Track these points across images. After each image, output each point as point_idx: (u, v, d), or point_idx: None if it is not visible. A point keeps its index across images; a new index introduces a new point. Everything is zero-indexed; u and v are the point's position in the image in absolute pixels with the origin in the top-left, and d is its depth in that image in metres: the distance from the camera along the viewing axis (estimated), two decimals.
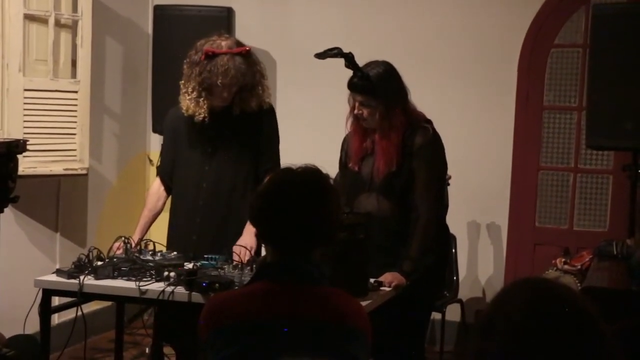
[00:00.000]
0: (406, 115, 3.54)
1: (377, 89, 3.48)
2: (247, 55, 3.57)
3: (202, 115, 3.60)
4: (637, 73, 4.22)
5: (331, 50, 3.50)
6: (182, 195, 3.72)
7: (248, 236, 3.45)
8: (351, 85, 3.53)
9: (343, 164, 3.71)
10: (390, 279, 3.37)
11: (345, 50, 3.50)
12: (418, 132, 3.55)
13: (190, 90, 3.58)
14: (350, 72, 3.54)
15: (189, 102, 3.59)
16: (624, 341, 1.68)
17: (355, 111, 3.54)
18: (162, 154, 3.87)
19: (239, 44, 3.61)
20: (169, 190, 3.78)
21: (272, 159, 3.67)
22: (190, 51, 3.62)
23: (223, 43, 3.56)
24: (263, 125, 3.67)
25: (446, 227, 3.83)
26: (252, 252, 3.42)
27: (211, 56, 3.52)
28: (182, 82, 3.62)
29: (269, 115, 3.69)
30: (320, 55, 3.53)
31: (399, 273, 3.41)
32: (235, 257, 3.38)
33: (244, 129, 3.64)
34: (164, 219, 3.86)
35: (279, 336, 2.09)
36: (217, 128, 3.64)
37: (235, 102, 3.60)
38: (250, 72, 3.57)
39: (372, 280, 3.32)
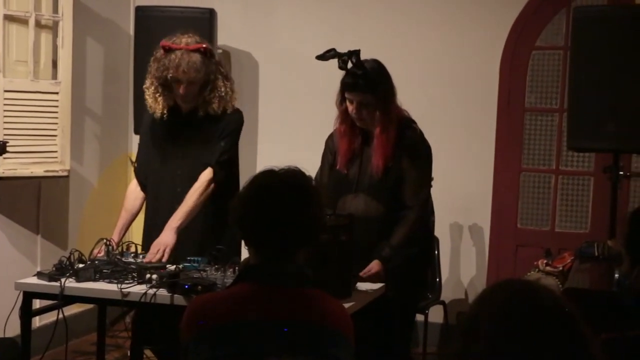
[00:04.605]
0: (397, 112, 3.56)
1: (379, 86, 3.48)
2: (205, 53, 3.55)
3: (159, 112, 3.61)
4: (618, 75, 4.24)
5: (329, 51, 3.50)
6: (157, 198, 3.71)
7: (168, 232, 3.45)
8: (353, 85, 3.50)
9: (330, 163, 3.69)
10: (367, 272, 3.38)
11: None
12: (408, 131, 3.57)
13: (148, 85, 3.61)
14: (339, 73, 3.52)
15: (148, 97, 3.62)
16: (612, 352, 1.69)
17: (354, 113, 3.52)
18: (138, 154, 3.86)
19: (203, 42, 3.58)
20: (146, 190, 3.77)
21: (217, 154, 3.60)
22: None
23: (183, 40, 3.56)
24: (225, 127, 3.65)
25: (430, 229, 3.86)
26: (169, 249, 3.41)
27: (168, 50, 3.53)
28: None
29: (231, 116, 3.65)
30: (321, 57, 3.53)
31: (377, 259, 3.42)
32: (150, 256, 3.38)
33: (210, 132, 3.62)
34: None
35: (261, 338, 2.09)
36: (186, 131, 3.65)
37: (199, 103, 3.59)
38: (207, 70, 3.54)
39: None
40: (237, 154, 3.77)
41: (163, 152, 3.70)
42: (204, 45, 3.55)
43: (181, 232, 3.50)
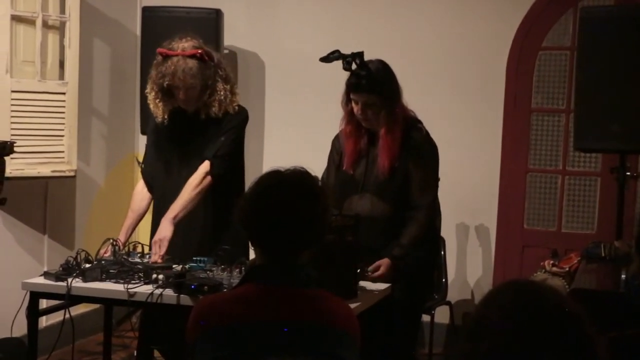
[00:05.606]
0: (403, 112, 3.56)
1: (384, 87, 3.48)
2: (201, 59, 3.53)
3: (160, 118, 3.62)
4: (625, 75, 4.24)
5: (332, 53, 3.50)
6: (162, 199, 3.72)
7: (164, 225, 3.46)
8: (357, 86, 3.50)
9: (336, 164, 3.70)
10: (377, 268, 3.39)
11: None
12: (413, 131, 3.56)
13: (149, 90, 3.62)
14: (345, 73, 3.52)
15: (150, 103, 3.64)
16: (617, 351, 1.68)
17: (359, 113, 3.52)
18: (145, 155, 3.87)
19: (201, 46, 3.57)
20: (152, 191, 3.78)
21: (215, 148, 3.60)
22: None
23: (180, 45, 3.55)
24: (226, 124, 3.65)
25: (437, 230, 3.85)
26: (166, 241, 3.41)
27: (165, 57, 3.54)
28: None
29: (233, 115, 3.65)
30: (325, 59, 3.53)
31: (388, 258, 3.42)
32: (154, 257, 3.39)
33: (212, 133, 3.63)
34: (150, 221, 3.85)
35: (268, 338, 2.09)
36: (189, 132, 3.66)
37: (200, 106, 3.60)
38: (204, 75, 3.53)
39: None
40: (242, 151, 3.77)
41: (168, 153, 3.71)
42: (200, 51, 3.54)
43: (183, 230, 3.51)
